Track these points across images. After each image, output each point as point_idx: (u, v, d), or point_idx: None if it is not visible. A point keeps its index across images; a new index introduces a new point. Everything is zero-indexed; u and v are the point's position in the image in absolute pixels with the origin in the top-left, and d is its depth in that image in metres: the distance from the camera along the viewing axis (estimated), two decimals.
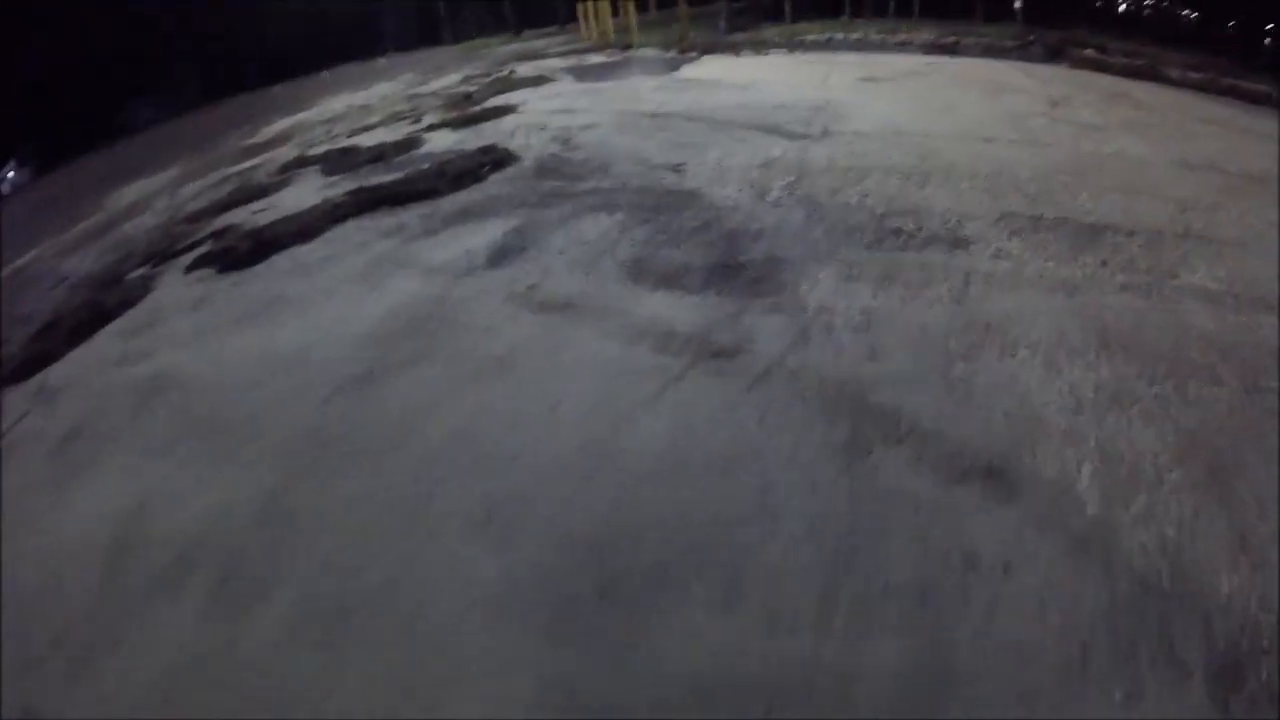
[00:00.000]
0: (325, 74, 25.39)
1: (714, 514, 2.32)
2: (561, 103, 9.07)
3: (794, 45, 12.71)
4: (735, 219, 4.41)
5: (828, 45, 12.34)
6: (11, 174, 28.93)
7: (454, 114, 9.45)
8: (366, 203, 5.80)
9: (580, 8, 17.17)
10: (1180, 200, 4.66)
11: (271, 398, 3.26)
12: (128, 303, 4.74)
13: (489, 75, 13.65)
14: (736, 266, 3.78)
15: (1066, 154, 5.57)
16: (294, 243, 5.08)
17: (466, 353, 3.37)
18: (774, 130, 6.44)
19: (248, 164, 9.30)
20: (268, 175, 8.00)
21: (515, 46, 19.98)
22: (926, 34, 12.13)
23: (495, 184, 5.82)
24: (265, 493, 2.65)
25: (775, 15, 15.40)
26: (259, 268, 4.84)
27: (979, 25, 13.30)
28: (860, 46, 11.99)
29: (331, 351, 3.55)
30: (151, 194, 9.54)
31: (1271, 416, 2.65)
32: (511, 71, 13.52)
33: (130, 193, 10.31)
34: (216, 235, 5.76)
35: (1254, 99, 8.88)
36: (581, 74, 11.74)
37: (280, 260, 4.90)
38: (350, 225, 5.37)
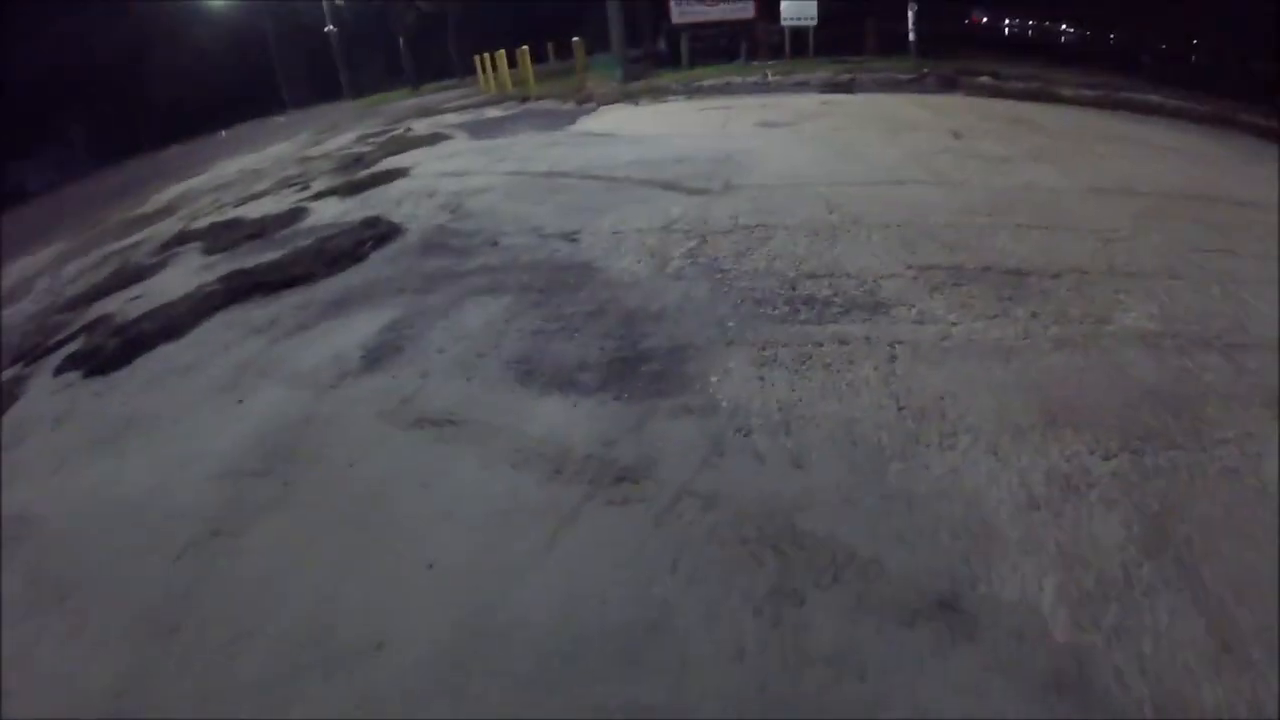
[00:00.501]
0: (222, 133, 24.51)
1: (620, 711, 1.83)
2: (454, 164, 8.60)
3: (692, 91, 12.54)
4: (634, 297, 3.96)
5: (725, 90, 12.21)
6: None
7: (343, 179, 8.89)
8: (241, 290, 5.25)
9: (478, 59, 16.76)
10: (1100, 232, 4.45)
11: (124, 552, 2.70)
12: None
13: (384, 133, 13.13)
14: (637, 358, 3.31)
15: (978, 192, 5.35)
16: (162, 341, 4.59)
17: (330, 493, 2.80)
18: (673, 186, 6.07)
19: (131, 240, 8.76)
20: (148, 254, 7.44)
21: (413, 101, 19.47)
22: (822, 72, 12.13)
23: (376, 263, 5.27)
24: (118, 678, 2.16)
25: (672, 62, 15.27)
26: (124, 372, 4.32)
27: (872, 60, 13.40)
28: (757, 89, 11.88)
29: (184, 495, 2.97)
30: (34, 274, 9.10)
31: (1229, 476, 2.42)
32: (407, 129, 13.02)
33: (16, 270, 9.88)
34: (89, 328, 5.34)
35: (1146, 111, 9.01)
36: (477, 130, 11.29)
37: (146, 363, 4.38)
38: (221, 320, 4.81)
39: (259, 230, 7.05)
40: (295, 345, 4.21)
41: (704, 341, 3.39)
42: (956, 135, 7.63)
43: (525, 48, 14.68)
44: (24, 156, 26.10)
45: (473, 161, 8.54)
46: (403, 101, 20.42)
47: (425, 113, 15.45)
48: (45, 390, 4.47)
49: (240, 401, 3.69)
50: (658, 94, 12.75)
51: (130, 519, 2.91)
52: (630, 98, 12.75)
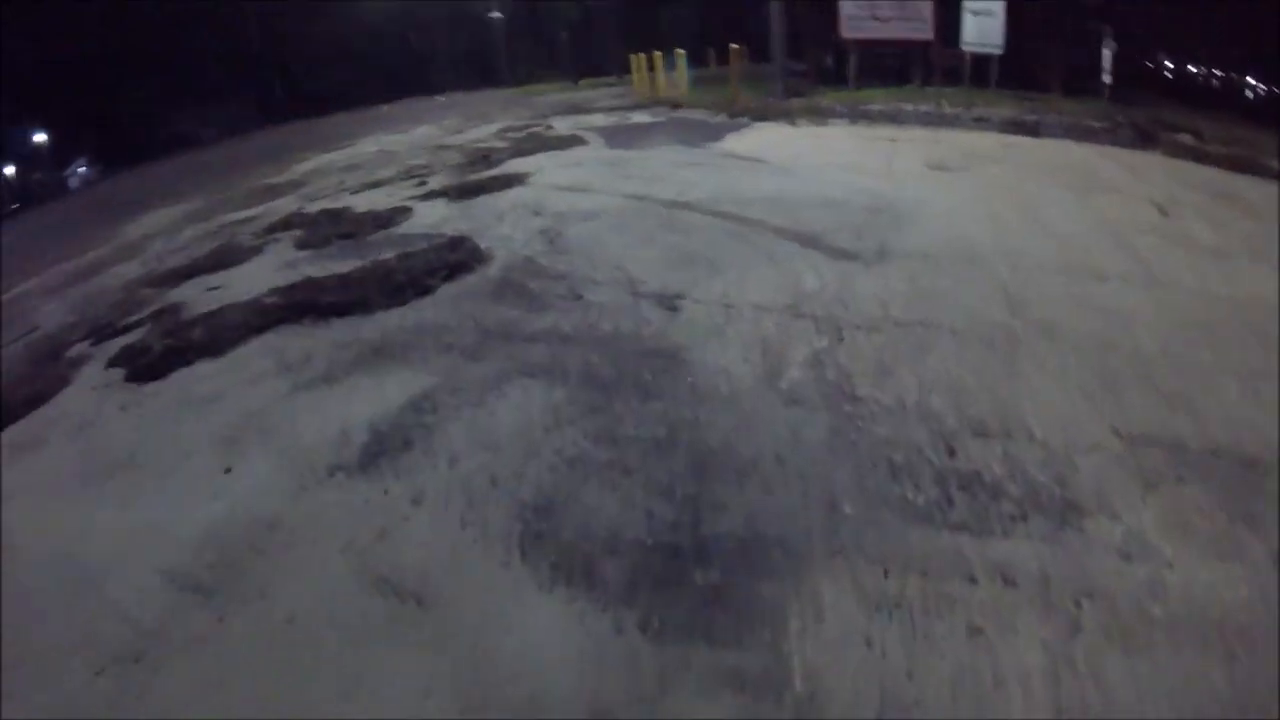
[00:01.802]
0: (385, 107, 24.95)
1: None
2: (578, 175, 7.75)
3: (856, 115, 11.16)
4: (722, 425, 2.89)
5: (894, 117, 10.76)
6: (82, 169, 29.25)
7: (460, 179, 8.28)
8: (298, 307, 4.67)
9: (633, 59, 15.91)
10: None
11: (63, 635, 2.32)
12: (37, 399, 4.25)
13: (525, 128, 12.51)
14: (694, 552, 2.23)
15: (1194, 303, 3.92)
16: (204, 356, 4.22)
17: (257, 650, 1.98)
18: (814, 243, 4.91)
19: (250, 212, 8.89)
20: (253, 235, 7.34)
21: (566, 96, 18.89)
22: (1004, 109, 10.47)
23: (441, 301, 4.49)
24: None
25: (839, 79, 13.84)
26: (157, 386, 4.04)
27: (1060, 100, 11.55)
28: (930, 120, 10.38)
29: (127, 590, 2.46)
30: (157, 231, 9.44)
31: None
32: (548, 127, 12.34)
33: (146, 223, 10.51)
34: (157, 315, 5.17)
35: None
36: (615, 137, 10.42)
37: (180, 380, 4.04)
38: (266, 341, 4.31)
39: (353, 229, 6.58)
40: (311, 402, 3.51)
41: (800, 539, 2.26)
42: (1160, 210, 6.05)
43: (681, 51, 13.69)
44: (208, 109, 27.64)
45: (597, 175, 7.64)
46: (557, 95, 19.87)
47: (573, 110, 14.78)
48: (89, 384, 4.31)
49: (228, 470, 3.07)
50: (818, 115, 11.45)
51: (77, 595, 2.49)
52: (787, 116, 11.52)
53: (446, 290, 4.67)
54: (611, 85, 20.53)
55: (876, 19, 12.67)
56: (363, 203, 7.75)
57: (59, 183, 28.90)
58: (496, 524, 2.40)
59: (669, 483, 2.53)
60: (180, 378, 4.07)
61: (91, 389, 4.26)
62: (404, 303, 4.50)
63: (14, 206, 26.01)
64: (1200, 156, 9.11)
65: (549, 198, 6.77)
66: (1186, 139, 9.94)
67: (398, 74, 28.03)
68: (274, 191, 10.30)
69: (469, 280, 4.74)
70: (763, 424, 2.86)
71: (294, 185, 10.55)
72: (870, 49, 13.42)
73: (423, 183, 8.53)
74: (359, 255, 5.61)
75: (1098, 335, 3.50)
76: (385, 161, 11.25)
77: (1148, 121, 10.50)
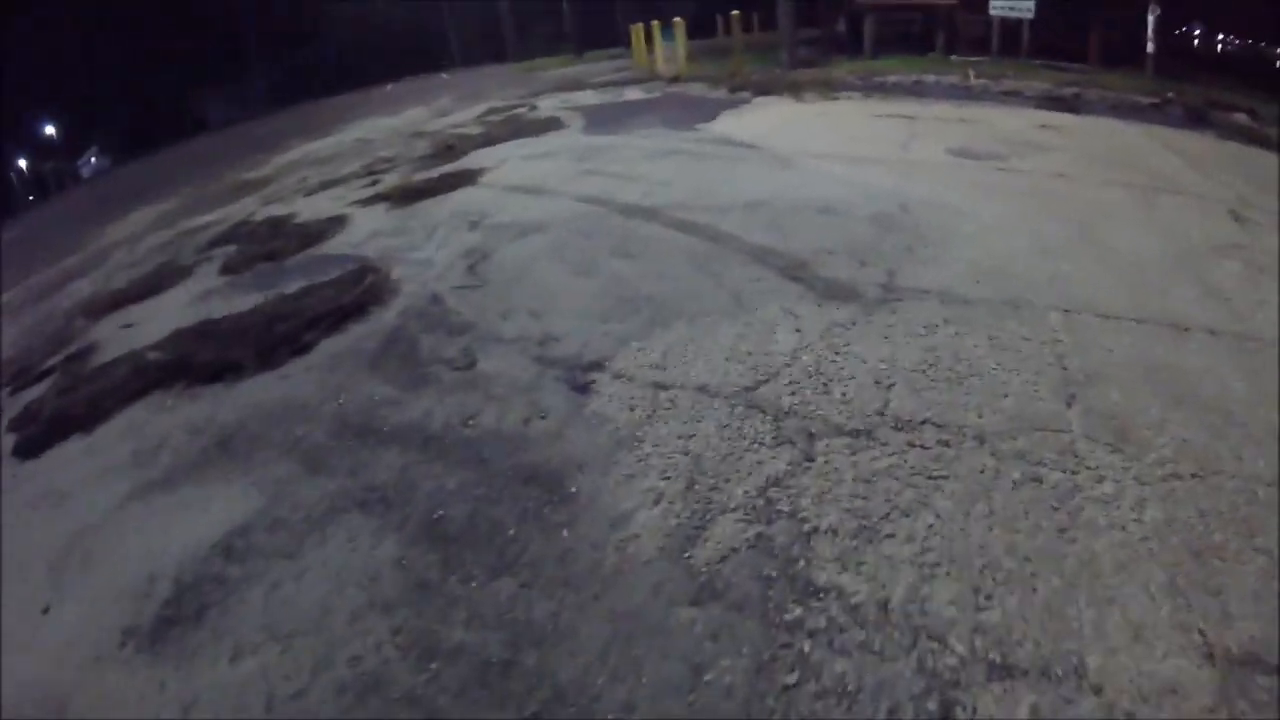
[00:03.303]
0: (388, 87, 23.83)
1: None
2: (537, 171, 6.57)
3: (871, 88, 9.75)
4: (588, 639, 1.74)
5: (914, 90, 9.34)
6: (93, 159, 28.57)
7: (413, 178, 7.11)
8: (174, 368, 3.93)
9: (633, 31, 14.51)
10: None
11: None
12: None
13: (507, 111, 11.29)
14: None
15: None
16: (77, 430, 3.65)
17: None
18: (799, 271, 3.69)
19: (207, 218, 8.31)
20: (193, 251, 6.77)
21: (567, 71, 17.55)
22: (1038, 82, 9.00)
23: (310, 370, 3.43)
24: None
25: (852, 48, 12.34)
26: (29, 467, 3.46)
27: (1100, 73, 9.99)
28: (955, 94, 8.94)
29: None
30: (125, 238, 9.01)
31: None
32: (530, 108, 11.12)
33: (125, 224, 10.13)
34: (66, 362, 4.63)
35: None
36: (597, 119, 9.16)
37: (45, 466, 3.44)
38: (133, 415, 3.63)
39: (278, 249, 5.79)
40: (140, 518, 2.73)
41: None
42: (1235, 216, 4.72)
43: (679, 20, 12.25)
44: (214, 92, 26.81)
45: (559, 170, 6.42)
46: (558, 70, 18.49)
47: (568, 86, 13.48)
48: None
49: (45, 611, 2.39)
50: (828, 88, 10.05)
51: None
52: (794, 89, 10.12)
53: (327, 347, 3.60)
54: (616, 58, 19.15)
55: None
56: (307, 209, 6.97)
57: (72, 172, 28.23)
58: None
59: None
60: (51, 460, 3.50)
61: None
62: (278, 365, 3.54)
63: (29, 199, 25.45)
64: (1258, 139, 7.70)
65: (495, 203, 5.60)
66: (1241, 119, 8.50)
67: (408, 51, 26.86)
68: (243, 189, 9.67)
69: (357, 332, 3.65)
70: (651, 640, 1.69)
71: (262, 183, 9.81)
72: (888, 14, 11.90)
73: (376, 182, 7.58)
74: (266, 286, 4.86)
75: (1195, 452, 2.26)
76: (357, 153, 10.33)
77: (1199, 100, 9.04)
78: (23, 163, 28.32)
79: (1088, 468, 2.19)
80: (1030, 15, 10.23)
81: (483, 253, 4.46)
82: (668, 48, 13.03)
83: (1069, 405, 2.47)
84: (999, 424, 2.36)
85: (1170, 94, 9.05)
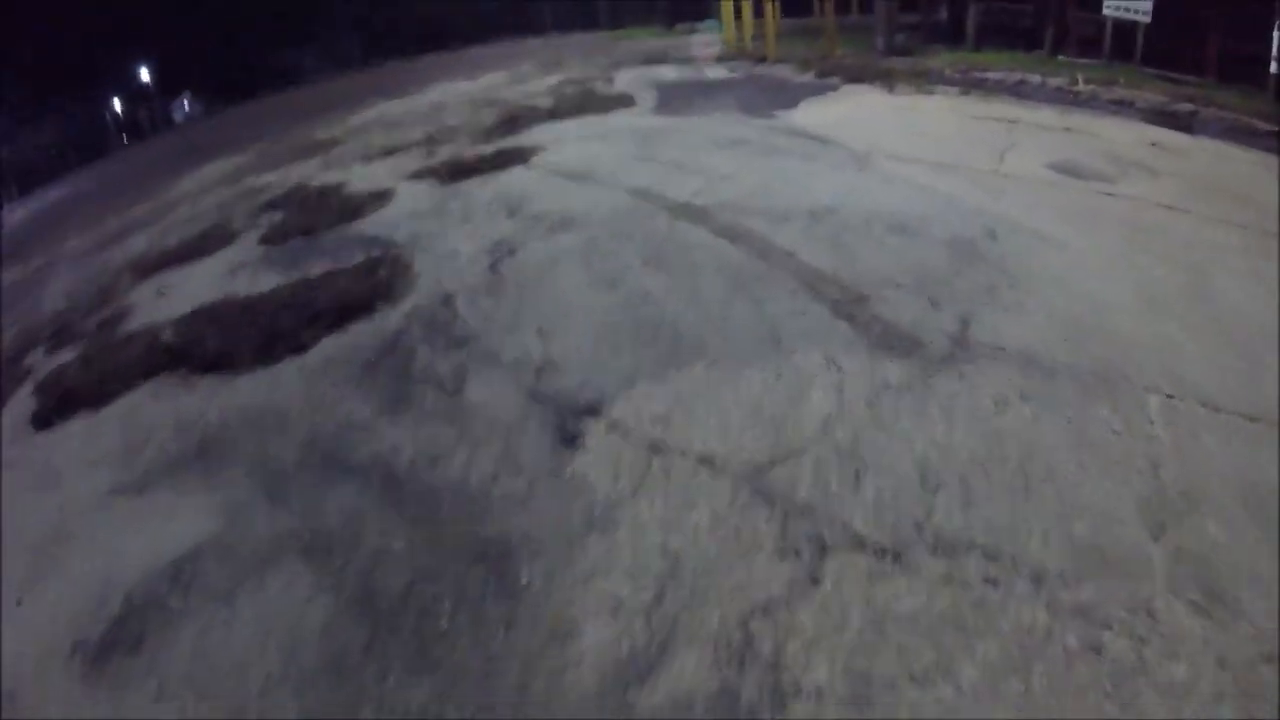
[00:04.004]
0: (476, 49, 23.65)
1: None
2: (591, 153, 6.19)
3: (969, 83, 8.92)
4: None
5: (1015, 90, 8.48)
6: (186, 104, 29.31)
7: (466, 153, 6.82)
8: (181, 353, 3.81)
9: (723, 5, 13.80)
10: None
11: None
12: None
13: (583, 82, 10.84)
14: None
15: None
16: (86, 408, 3.60)
17: None
18: (854, 307, 3.16)
19: (269, 178, 8.21)
20: (245, 214, 6.62)
21: (652, 43, 16.96)
22: (1151, 93, 8.01)
23: (300, 373, 3.20)
24: None
25: (955, 37, 11.39)
26: (42, 438, 3.49)
27: (1217, 89, 8.81)
28: (1060, 98, 8.06)
29: None
30: (195, 191, 9.15)
31: None
32: (608, 80, 10.65)
33: (199, 176, 10.29)
34: (100, 327, 4.67)
35: None
36: (670, 98, 8.64)
37: (52, 441, 3.43)
38: (133, 399, 3.53)
39: (320, 221, 5.63)
40: (114, 519, 2.67)
41: None
42: None
43: None
44: (307, 46, 27.10)
45: (614, 155, 6.00)
46: (646, 41, 17.90)
47: (651, 59, 12.95)
48: (6, 420, 3.81)
49: (19, 603, 2.38)
50: (923, 79, 9.25)
51: None
52: (886, 79, 9.35)
53: (325, 347, 3.32)
54: (708, 32, 18.43)
55: None
56: (360, 179, 6.85)
57: (165, 116, 28.97)
58: None
59: None
60: (58, 436, 3.48)
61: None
62: (274, 362, 3.35)
63: (123, 140, 26.24)
64: None
65: (539, 188, 5.23)
66: None
67: (502, 15, 26.65)
68: (312, 149, 9.59)
69: (357, 333, 3.35)
70: None
71: (331, 144, 9.75)
72: (995, 3, 10.91)
73: (432, 153, 7.28)
74: (291, 265, 4.72)
75: None
76: (426, 118, 10.12)
77: None
78: (118, 105, 29.14)
79: (1161, 635, 1.66)
80: (1147, 18, 9.12)
81: (510, 247, 4.08)
82: (757, 23, 12.32)
83: (1155, 539, 1.92)
84: (1064, 560, 1.84)
85: None
